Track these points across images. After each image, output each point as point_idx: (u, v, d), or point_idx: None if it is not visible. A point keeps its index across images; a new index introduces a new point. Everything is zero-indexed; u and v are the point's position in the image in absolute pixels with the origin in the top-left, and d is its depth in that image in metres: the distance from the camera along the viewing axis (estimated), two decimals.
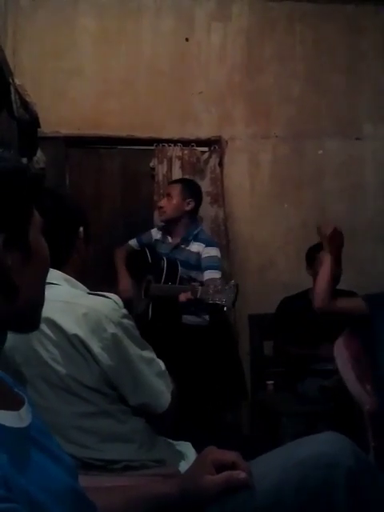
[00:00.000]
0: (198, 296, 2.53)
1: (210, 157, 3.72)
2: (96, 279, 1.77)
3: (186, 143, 3.68)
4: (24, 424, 0.73)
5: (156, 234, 3.25)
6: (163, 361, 1.52)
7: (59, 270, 1.43)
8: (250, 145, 3.81)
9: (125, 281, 3.09)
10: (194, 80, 3.75)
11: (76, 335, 1.36)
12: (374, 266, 3.79)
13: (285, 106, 3.83)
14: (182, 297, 2.67)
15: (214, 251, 3.01)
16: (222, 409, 3.27)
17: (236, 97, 3.79)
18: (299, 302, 3.25)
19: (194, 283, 2.73)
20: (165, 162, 3.65)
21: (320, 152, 3.88)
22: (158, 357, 1.51)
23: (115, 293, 1.48)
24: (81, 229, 1.51)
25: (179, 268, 2.96)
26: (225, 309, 2.46)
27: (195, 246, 3.03)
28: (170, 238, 3.16)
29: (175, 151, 3.66)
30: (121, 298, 1.46)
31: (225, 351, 3.14)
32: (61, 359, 1.37)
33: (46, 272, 0.79)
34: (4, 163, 0.71)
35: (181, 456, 1.50)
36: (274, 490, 1.00)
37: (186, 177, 3.54)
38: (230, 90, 3.78)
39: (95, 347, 1.36)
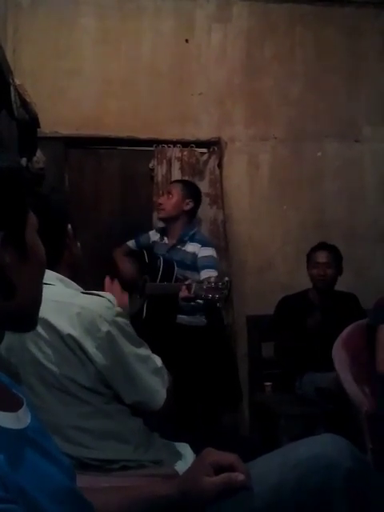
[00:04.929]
0: (192, 292, 2.57)
1: (209, 158, 3.72)
2: (94, 279, 1.77)
3: (185, 144, 3.68)
4: (22, 425, 0.73)
5: (154, 235, 3.26)
6: None
7: (52, 270, 1.41)
8: (250, 146, 3.81)
9: (126, 264, 3.06)
10: (194, 81, 3.75)
11: (70, 335, 1.35)
12: (372, 267, 3.80)
13: (284, 108, 3.83)
14: (182, 294, 2.67)
15: (209, 251, 3.03)
16: (217, 410, 3.27)
17: (236, 98, 3.79)
18: (298, 302, 3.26)
19: (188, 280, 2.75)
20: (164, 163, 3.65)
21: (319, 154, 3.88)
22: None
23: (119, 276, 1.47)
24: (69, 226, 1.50)
25: (175, 268, 2.97)
26: (218, 305, 2.49)
27: (191, 247, 3.04)
28: (166, 239, 3.17)
29: (174, 152, 3.65)
30: (125, 278, 1.44)
31: (219, 352, 3.14)
32: (55, 359, 1.36)
33: (43, 271, 0.80)
34: (0, 162, 0.71)
35: (178, 456, 1.50)
36: (272, 492, 1.01)
37: (186, 178, 3.54)
38: (229, 91, 3.78)
39: (90, 347, 1.35)
